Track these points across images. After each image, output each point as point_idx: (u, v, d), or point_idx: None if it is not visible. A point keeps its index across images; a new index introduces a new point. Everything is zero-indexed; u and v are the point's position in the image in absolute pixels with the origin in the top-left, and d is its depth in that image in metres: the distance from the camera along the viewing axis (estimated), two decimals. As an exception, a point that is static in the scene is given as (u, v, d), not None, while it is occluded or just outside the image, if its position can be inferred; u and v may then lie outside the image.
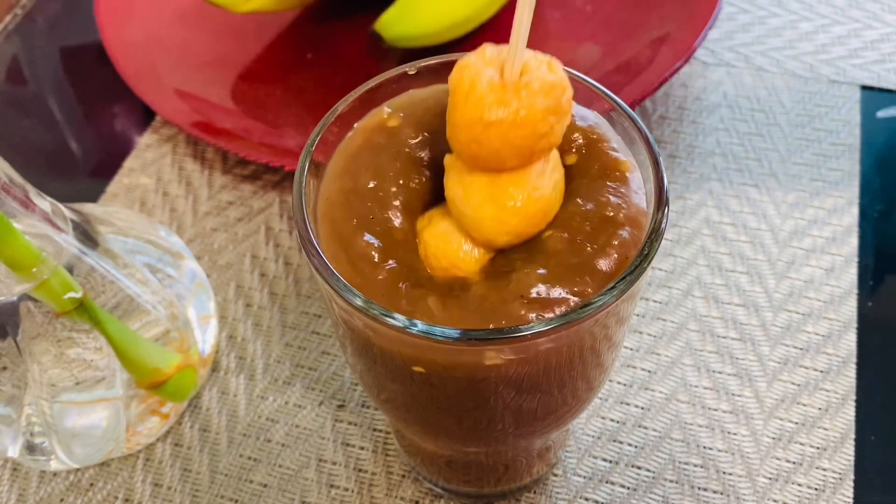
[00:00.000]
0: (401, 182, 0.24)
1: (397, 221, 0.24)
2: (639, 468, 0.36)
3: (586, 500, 0.36)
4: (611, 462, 0.37)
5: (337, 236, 0.24)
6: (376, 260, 0.23)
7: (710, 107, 0.50)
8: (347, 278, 0.23)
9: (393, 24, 0.51)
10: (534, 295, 0.22)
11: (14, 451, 0.35)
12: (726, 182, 0.46)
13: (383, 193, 0.24)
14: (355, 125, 0.26)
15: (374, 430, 0.38)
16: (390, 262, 0.23)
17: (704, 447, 0.37)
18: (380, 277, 0.23)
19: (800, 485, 0.36)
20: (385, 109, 0.26)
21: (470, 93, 0.21)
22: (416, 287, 0.23)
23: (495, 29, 0.54)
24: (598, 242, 0.23)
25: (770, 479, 0.36)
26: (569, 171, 0.25)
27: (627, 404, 0.38)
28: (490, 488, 0.36)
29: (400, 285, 0.23)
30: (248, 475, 0.37)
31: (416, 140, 0.25)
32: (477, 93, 0.21)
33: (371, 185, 0.24)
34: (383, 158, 0.25)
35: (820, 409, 0.38)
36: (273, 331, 0.41)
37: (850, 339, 0.40)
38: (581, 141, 0.25)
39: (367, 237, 0.23)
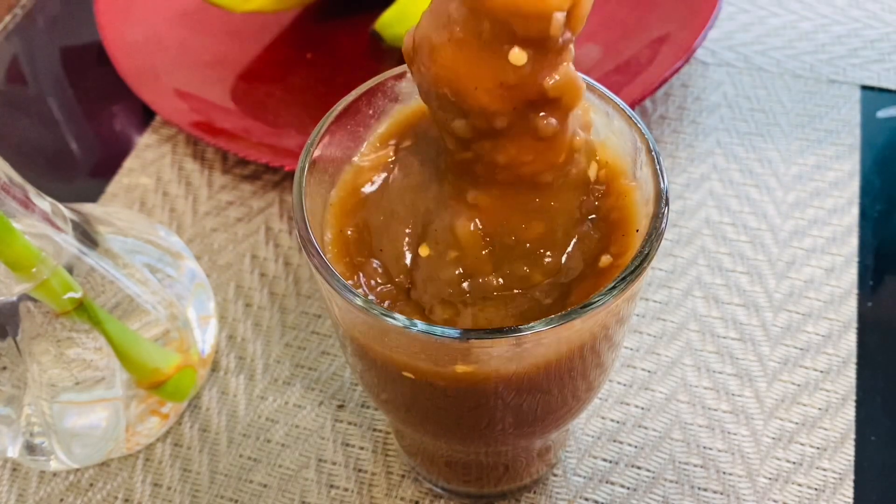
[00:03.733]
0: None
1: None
2: (639, 468, 0.36)
3: (586, 500, 0.36)
4: (611, 462, 0.37)
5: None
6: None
7: (710, 107, 0.50)
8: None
9: (393, 24, 0.51)
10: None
11: (14, 451, 0.35)
12: (726, 182, 0.46)
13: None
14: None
15: (374, 430, 0.38)
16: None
17: (704, 447, 0.37)
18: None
19: (800, 485, 0.36)
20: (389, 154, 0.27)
21: None
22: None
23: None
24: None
25: (770, 479, 0.36)
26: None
27: (627, 404, 0.38)
28: (490, 488, 0.36)
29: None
30: (247, 475, 0.37)
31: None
32: None
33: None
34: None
35: (820, 409, 0.38)
36: (273, 331, 0.41)
37: (850, 339, 0.40)
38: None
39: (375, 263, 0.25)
